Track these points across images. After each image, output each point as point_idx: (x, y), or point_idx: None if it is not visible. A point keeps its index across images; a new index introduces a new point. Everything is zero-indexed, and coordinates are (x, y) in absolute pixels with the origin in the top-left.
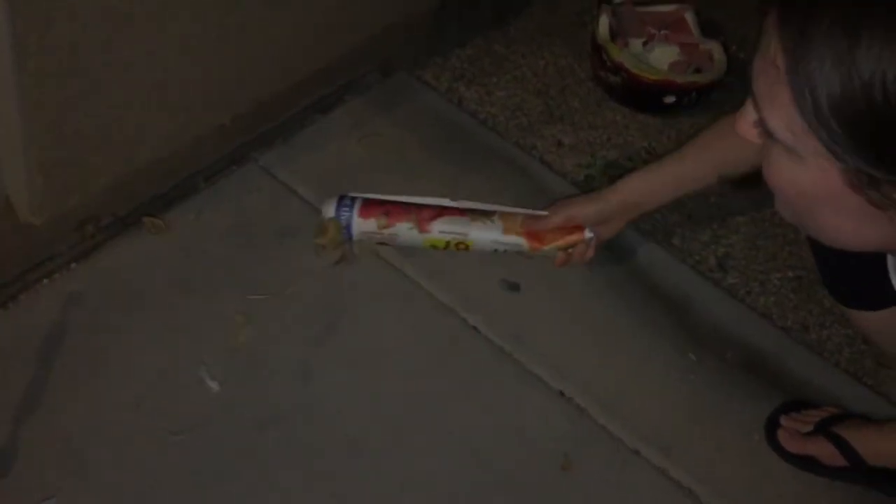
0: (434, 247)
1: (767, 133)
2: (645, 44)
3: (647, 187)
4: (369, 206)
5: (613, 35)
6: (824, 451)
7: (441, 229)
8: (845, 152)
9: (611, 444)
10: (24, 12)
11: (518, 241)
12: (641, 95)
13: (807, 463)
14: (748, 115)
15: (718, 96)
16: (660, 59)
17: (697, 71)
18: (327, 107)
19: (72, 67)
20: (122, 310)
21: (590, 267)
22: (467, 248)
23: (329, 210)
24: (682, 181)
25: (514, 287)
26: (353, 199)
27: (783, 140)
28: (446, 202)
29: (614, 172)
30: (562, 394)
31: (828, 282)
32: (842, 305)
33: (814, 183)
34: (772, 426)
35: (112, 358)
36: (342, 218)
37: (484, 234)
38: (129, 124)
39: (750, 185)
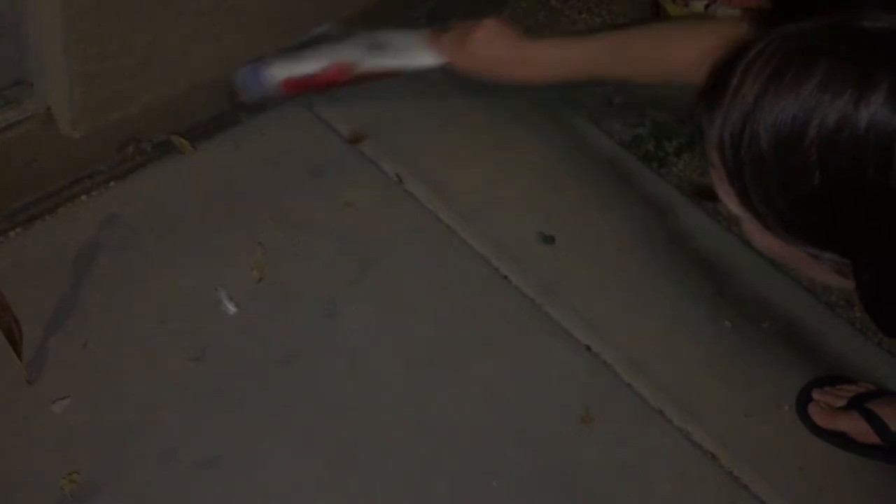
0: None
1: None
2: (707, 6)
3: (560, 60)
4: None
5: None
6: (856, 427)
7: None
8: (789, 241)
9: (634, 402)
10: None
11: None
12: None
13: (837, 438)
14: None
15: None
16: None
17: None
18: None
19: None
20: (154, 231)
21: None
22: None
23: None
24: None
25: (549, 239)
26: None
27: (745, 220)
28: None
29: (663, 134)
30: (588, 348)
31: (870, 311)
32: (886, 336)
33: (782, 248)
34: (804, 399)
35: (140, 277)
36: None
37: None
38: (173, 44)
39: (711, 199)
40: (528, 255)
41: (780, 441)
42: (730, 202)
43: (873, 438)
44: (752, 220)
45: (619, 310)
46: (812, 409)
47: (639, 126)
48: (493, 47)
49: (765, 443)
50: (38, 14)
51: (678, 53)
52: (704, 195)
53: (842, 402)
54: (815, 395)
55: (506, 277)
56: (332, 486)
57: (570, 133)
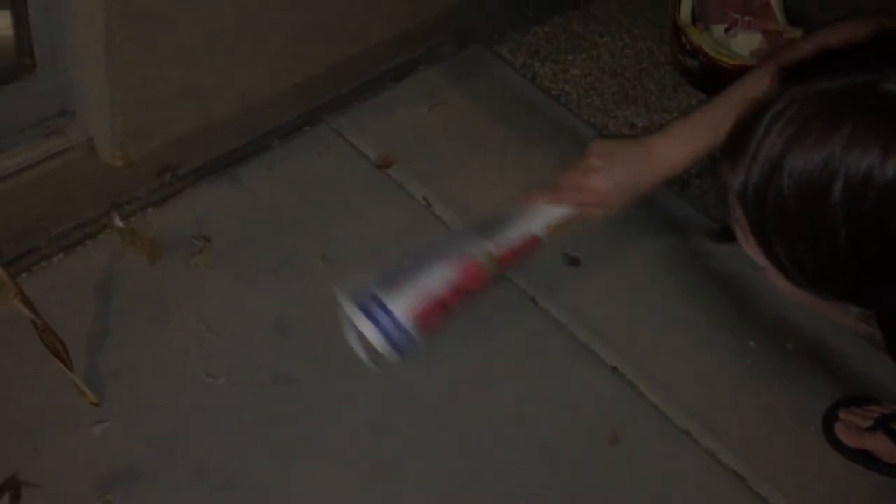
0: None
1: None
2: (727, 30)
3: (691, 154)
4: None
5: (695, 19)
6: (883, 446)
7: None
8: (816, 294)
9: (660, 423)
10: None
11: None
12: (719, 81)
13: (863, 458)
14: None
15: None
16: (742, 45)
17: None
18: (401, 74)
19: (157, 12)
20: (192, 254)
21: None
22: None
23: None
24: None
25: (574, 261)
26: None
27: (769, 269)
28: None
29: None
30: (615, 369)
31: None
32: None
33: (804, 296)
34: (830, 418)
35: (176, 301)
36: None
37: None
38: (209, 75)
39: (729, 240)
40: (554, 276)
41: (805, 461)
42: (754, 254)
43: None
44: (775, 270)
45: (644, 331)
46: (839, 429)
47: None
48: (616, 173)
49: (790, 463)
50: (82, 46)
51: None
52: (722, 238)
53: (868, 423)
54: (842, 414)
55: (532, 299)
56: None
57: None
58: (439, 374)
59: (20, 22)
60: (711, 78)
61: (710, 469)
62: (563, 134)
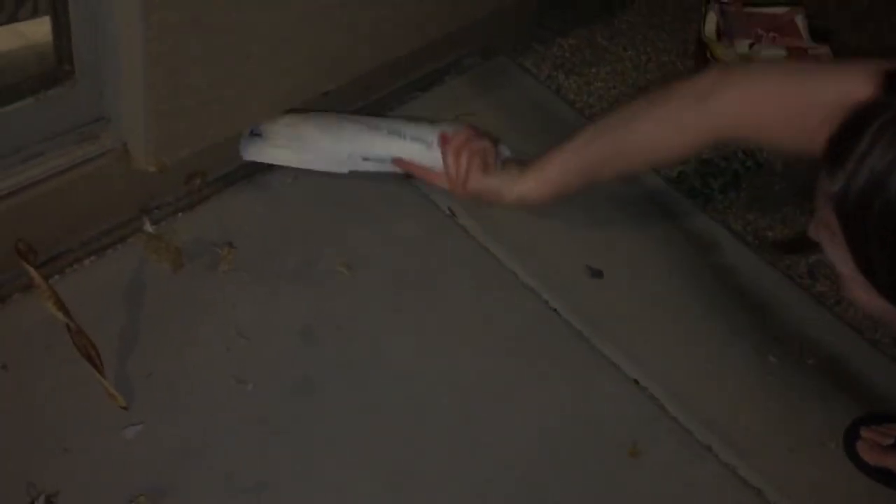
0: None
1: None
2: (752, 45)
3: (563, 181)
4: None
5: (720, 34)
6: None
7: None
8: None
9: (681, 437)
10: None
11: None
12: None
13: (884, 476)
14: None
15: None
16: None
17: None
18: (426, 85)
19: (192, 24)
20: (217, 260)
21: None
22: None
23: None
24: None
25: (597, 273)
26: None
27: (852, 279)
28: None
29: (708, 171)
30: (636, 382)
31: None
32: None
33: (885, 309)
34: (851, 436)
35: (203, 307)
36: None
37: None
38: (241, 84)
39: (795, 252)
40: (577, 288)
41: (825, 477)
42: (839, 262)
43: None
44: (861, 281)
45: (666, 344)
46: (860, 447)
47: (684, 163)
48: (478, 179)
49: (810, 479)
50: (121, 56)
51: (661, 142)
52: (786, 249)
53: (889, 441)
54: (864, 432)
55: (555, 310)
56: None
57: None
58: (461, 385)
59: (60, 30)
60: None
61: (731, 483)
62: None
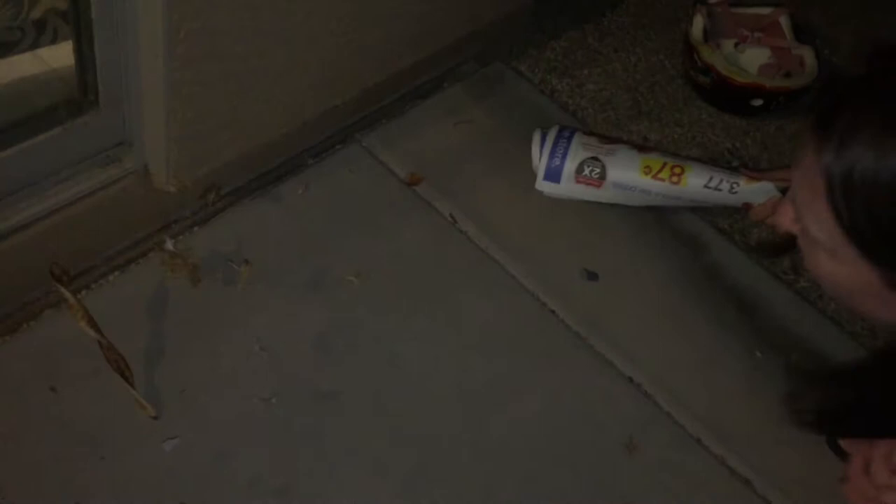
0: (648, 168)
1: (807, 233)
2: (737, 45)
3: None
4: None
5: (707, 35)
6: None
7: (660, 153)
8: (882, 259)
9: (674, 431)
10: (178, 5)
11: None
12: (729, 97)
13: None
14: (789, 211)
15: (808, 101)
16: (750, 61)
17: (787, 75)
18: (426, 92)
19: (211, 53)
20: (234, 273)
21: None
22: (683, 171)
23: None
24: None
25: (593, 276)
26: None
27: (823, 244)
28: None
29: None
30: (631, 380)
31: None
32: None
33: (852, 279)
34: None
35: (222, 319)
36: (564, 132)
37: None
38: (256, 106)
39: (776, 254)
40: (574, 291)
41: (810, 468)
42: (816, 226)
43: None
44: (830, 248)
45: (659, 343)
46: (843, 439)
47: None
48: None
49: (796, 470)
50: (144, 84)
51: None
52: (769, 251)
53: None
54: None
55: (553, 312)
56: None
57: None
58: (463, 387)
59: (86, 64)
60: (722, 93)
61: (721, 475)
62: None
